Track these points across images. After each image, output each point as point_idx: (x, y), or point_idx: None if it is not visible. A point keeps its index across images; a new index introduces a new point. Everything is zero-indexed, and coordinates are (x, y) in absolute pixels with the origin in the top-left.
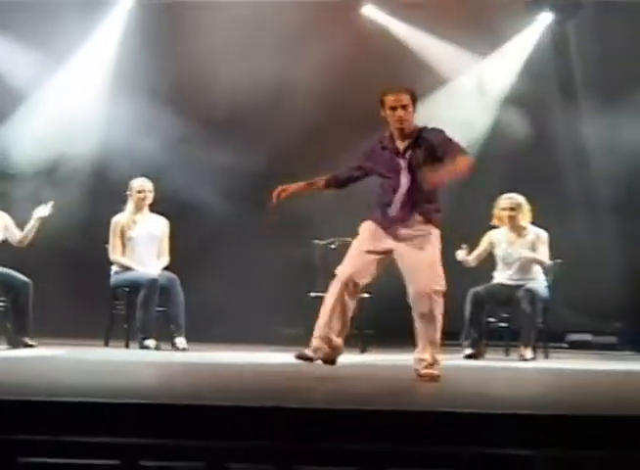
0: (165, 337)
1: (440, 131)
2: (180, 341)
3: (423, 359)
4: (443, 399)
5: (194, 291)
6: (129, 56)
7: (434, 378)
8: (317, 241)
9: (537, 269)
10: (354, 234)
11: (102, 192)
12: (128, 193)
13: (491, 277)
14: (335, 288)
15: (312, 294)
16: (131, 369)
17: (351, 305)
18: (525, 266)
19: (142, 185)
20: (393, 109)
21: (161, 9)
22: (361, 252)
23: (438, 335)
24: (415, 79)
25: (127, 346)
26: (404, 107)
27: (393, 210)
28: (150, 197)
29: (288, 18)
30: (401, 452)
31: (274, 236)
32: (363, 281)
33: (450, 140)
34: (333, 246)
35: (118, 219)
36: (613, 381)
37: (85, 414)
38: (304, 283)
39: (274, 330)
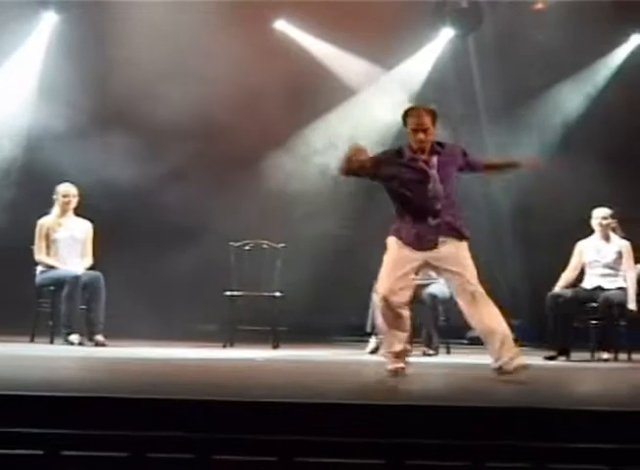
0: (88, 333)
1: (460, 147)
2: (100, 336)
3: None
4: (349, 393)
5: (116, 289)
6: (53, 64)
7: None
8: (232, 243)
9: None
10: (267, 237)
11: (29, 195)
12: (54, 197)
13: None
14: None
15: (227, 293)
16: (54, 364)
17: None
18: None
19: (67, 190)
20: (415, 131)
21: (85, 20)
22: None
23: None
24: (324, 91)
25: (52, 342)
26: (425, 130)
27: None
28: (74, 201)
29: (205, 31)
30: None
31: (192, 237)
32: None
33: (470, 154)
34: (247, 247)
35: (44, 222)
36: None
37: (10, 406)
38: (220, 282)
39: (192, 327)
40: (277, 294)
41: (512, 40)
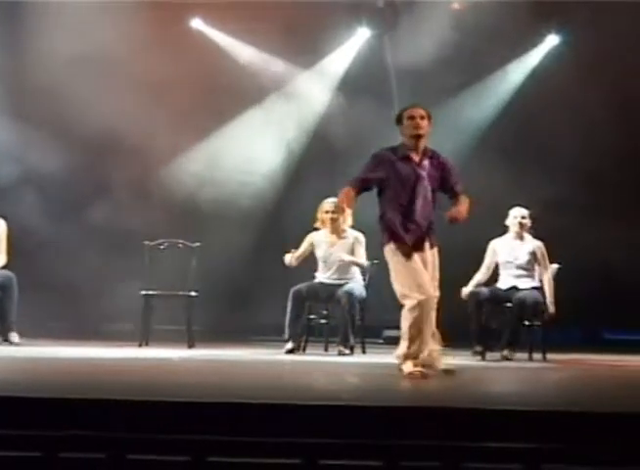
0: (1, 332)
1: (446, 158)
2: (13, 335)
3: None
4: (264, 391)
5: (29, 288)
6: None
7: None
8: (147, 242)
9: (355, 270)
10: (182, 236)
11: None
12: None
13: (313, 277)
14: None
15: (142, 292)
16: None
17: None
18: (343, 267)
19: None
20: (412, 118)
21: (3, 16)
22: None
23: None
24: (240, 90)
25: None
26: (422, 117)
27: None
28: None
29: (116, 27)
30: None
31: (108, 236)
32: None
33: (456, 170)
34: (162, 247)
35: None
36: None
37: None
38: (136, 282)
39: (107, 326)
40: (192, 293)
41: (428, 40)
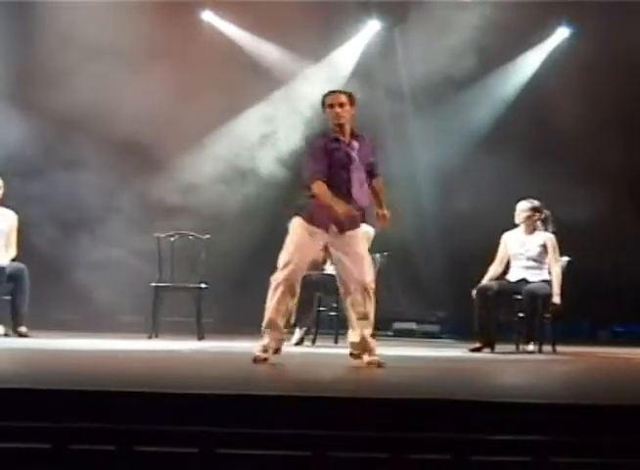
0: (12, 324)
1: (373, 139)
2: (23, 328)
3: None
4: (273, 383)
5: (41, 280)
6: None
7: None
8: (158, 234)
9: None
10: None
11: None
12: None
13: (322, 270)
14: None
15: (152, 284)
16: None
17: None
18: None
19: None
20: (331, 106)
21: (9, 9)
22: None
23: None
24: (251, 82)
25: None
26: (341, 105)
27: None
28: None
29: (129, 19)
30: None
31: (118, 228)
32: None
33: (379, 152)
34: (172, 239)
35: None
36: (435, 367)
37: None
38: (146, 273)
39: (117, 318)
40: (202, 285)
41: (439, 32)
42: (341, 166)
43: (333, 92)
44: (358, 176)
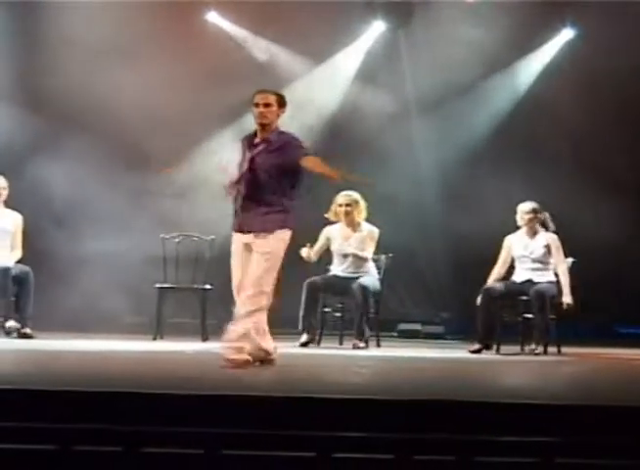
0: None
1: (293, 136)
2: (27, 329)
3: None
4: (278, 384)
5: (45, 281)
6: None
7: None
8: (162, 235)
9: (370, 263)
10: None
11: None
12: None
13: (327, 270)
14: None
15: (157, 285)
16: None
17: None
18: (358, 261)
19: None
20: (257, 105)
21: (15, 10)
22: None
23: None
24: (254, 84)
25: None
26: (267, 105)
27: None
28: (4, 194)
29: (134, 20)
30: None
31: (126, 228)
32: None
33: (294, 145)
34: (176, 239)
35: None
36: (440, 367)
37: None
38: (151, 274)
39: (121, 319)
40: (207, 286)
41: (443, 34)
42: (243, 169)
43: (263, 91)
44: (259, 177)
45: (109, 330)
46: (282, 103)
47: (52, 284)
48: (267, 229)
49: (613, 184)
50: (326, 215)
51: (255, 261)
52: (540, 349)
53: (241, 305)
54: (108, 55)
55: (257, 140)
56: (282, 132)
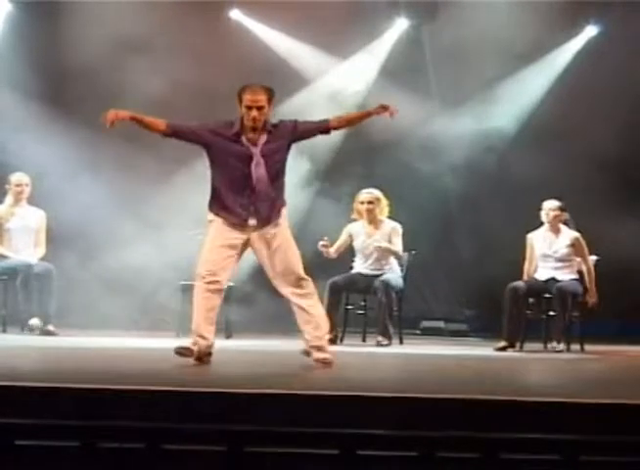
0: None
1: (293, 120)
2: (50, 326)
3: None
4: (300, 382)
5: (68, 279)
6: (6, 53)
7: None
8: (187, 231)
9: (393, 260)
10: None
11: None
12: (7, 186)
13: (351, 268)
14: (198, 287)
15: (181, 282)
16: (5, 353)
17: (216, 300)
18: (381, 258)
19: (20, 179)
20: (249, 108)
21: (39, 9)
22: (216, 247)
23: None
24: (279, 81)
25: (5, 331)
26: (260, 108)
27: (252, 201)
28: (27, 190)
29: (155, 18)
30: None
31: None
32: (224, 276)
33: (307, 122)
34: (200, 236)
35: None
36: (464, 365)
37: None
38: (175, 271)
39: (145, 316)
40: (230, 283)
41: (467, 31)
42: (239, 160)
43: (253, 91)
44: (259, 172)
45: (132, 327)
46: (271, 97)
47: (75, 280)
48: (277, 218)
49: (634, 181)
50: (352, 217)
51: (285, 250)
52: (562, 346)
53: (301, 296)
54: (127, 52)
55: (250, 136)
56: (274, 124)
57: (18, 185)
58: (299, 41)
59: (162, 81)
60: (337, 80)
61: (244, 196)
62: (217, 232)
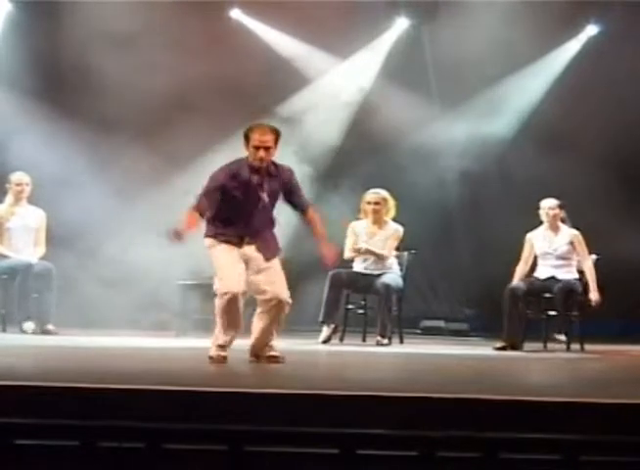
0: (39, 322)
1: (291, 171)
2: (50, 326)
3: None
4: (301, 381)
5: (68, 279)
6: (6, 53)
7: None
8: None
9: (393, 260)
10: None
11: None
12: (7, 186)
13: (350, 267)
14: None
15: (180, 281)
16: (3, 352)
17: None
18: (380, 257)
19: (20, 178)
20: (257, 148)
21: (38, 9)
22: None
23: None
24: (280, 80)
25: (4, 330)
26: (267, 149)
27: (254, 225)
28: (27, 190)
29: (155, 18)
30: None
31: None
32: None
33: (298, 185)
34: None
35: None
36: (464, 364)
37: None
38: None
39: (144, 316)
40: None
41: (467, 30)
42: (247, 201)
43: (262, 131)
44: (265, 210)
45: (133, 327)
46: (278, 138)
47: (75, 280)
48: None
49: (634, 181)
50: (358, 216)
51: (274, 270)
52: (565, 338)
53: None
54: (128, 52)
55: (259, 177)
56: (274, 164)
57: (18, 184)
58: (300, 41)
59: (163, 81)
60: (337, 80)
61: (241, 227)
62: (225, 251)
